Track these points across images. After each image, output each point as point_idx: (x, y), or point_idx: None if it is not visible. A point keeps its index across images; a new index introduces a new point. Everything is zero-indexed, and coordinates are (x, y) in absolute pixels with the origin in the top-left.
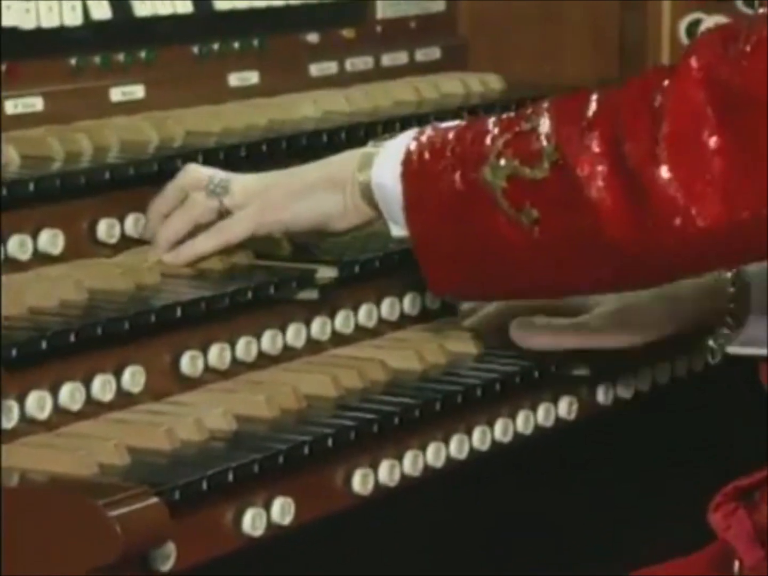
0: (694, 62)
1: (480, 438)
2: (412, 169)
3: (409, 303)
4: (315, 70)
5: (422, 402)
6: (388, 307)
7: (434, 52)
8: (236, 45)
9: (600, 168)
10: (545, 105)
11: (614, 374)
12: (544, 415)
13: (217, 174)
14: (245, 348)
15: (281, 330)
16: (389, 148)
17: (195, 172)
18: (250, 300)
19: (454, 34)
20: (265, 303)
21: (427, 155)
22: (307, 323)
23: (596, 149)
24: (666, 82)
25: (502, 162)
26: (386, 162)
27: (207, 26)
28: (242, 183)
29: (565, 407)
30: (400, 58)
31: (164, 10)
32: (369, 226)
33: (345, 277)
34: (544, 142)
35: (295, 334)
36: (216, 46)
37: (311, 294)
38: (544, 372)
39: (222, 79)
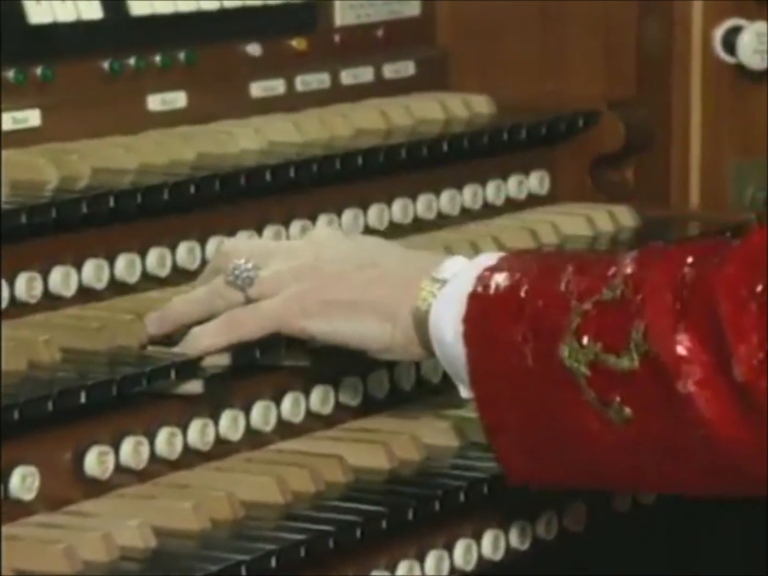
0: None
1: (464, 554)
2: (475, 330)
3: (373, 383)
4: (257, 89)
5: (391, 510)
6: (348, 389)
7: (407, 68)
8: (157, 59)
9: (703, 371)
10: (629, 262)
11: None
12: (544, 525)
13: (242, 261)
14: (167, 441)
15: (212, 418)
16: (451, 290)
17: (225, 254)
18: (171, 382)
19: (431, 45)
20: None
21: (492, 314)
22: (246, 410)
23: (695, 347)
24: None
25: (582, 343)
26: (446, 311)
27: (120, 35)
28: (275, 270)
29: (571, 516)
30: (364, 74)
31: (65, 15)
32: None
33: None
34: (632, 326)
35: (230, 424)
36: (132, 61)
37: (195, 387)
38: None
39: (139, 102)
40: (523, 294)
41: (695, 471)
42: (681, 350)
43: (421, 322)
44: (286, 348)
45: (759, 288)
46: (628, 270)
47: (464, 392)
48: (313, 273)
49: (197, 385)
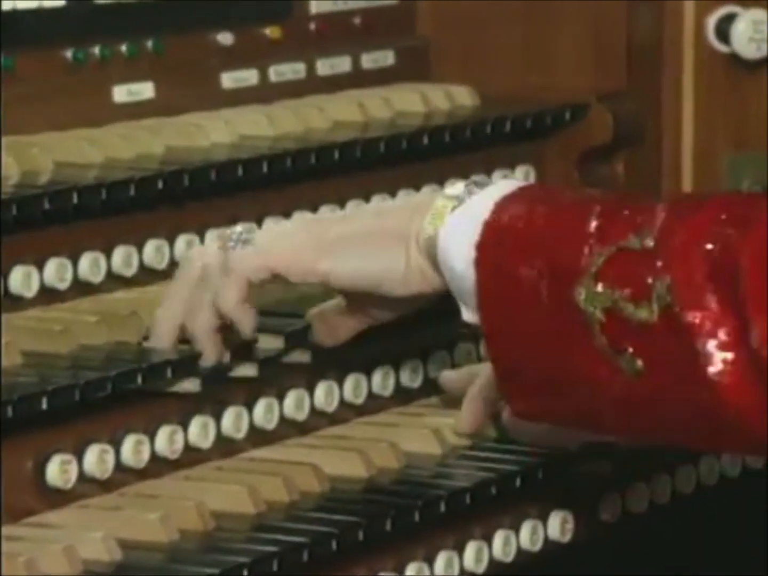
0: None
1: (445, 567)
2: (488, 259)
3: (351, 388)
4: (228, 80)
5: (368, 520)
6: (324, 394)
7: (386, 57)
8: (123, 48)
9: (720, 334)
10: (659, 211)
11: (622, 482)
12: (529, 535)
13: (237, 229)
14: (133, 449)
15: (181, 425)
16: (465, 213)
17: (202, 250)
18: (140, 387)
19: (411, 34)
20: (158, 390)
21: (508, 245)
22: (216, 416)
23: (719, 309)
24: None
25: (600, 287)
26: (458, 234)
27: (84, 23)
28: (271, 227)
29: (557, 525)
30: (341, 64)
31: (27, 2)
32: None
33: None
34: (656, 278)
35: (200, 431)
36: (96, 50)
37: (192, 385)
38: (529, 479)
39: (104, 94)
40: (542, 227)
41: (697, 429)
42: (707, 310)
43: (429, 241)
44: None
45: None
46: (659, 220)
47: (467, 315)
48: (314, 219)
49: (195, 383)
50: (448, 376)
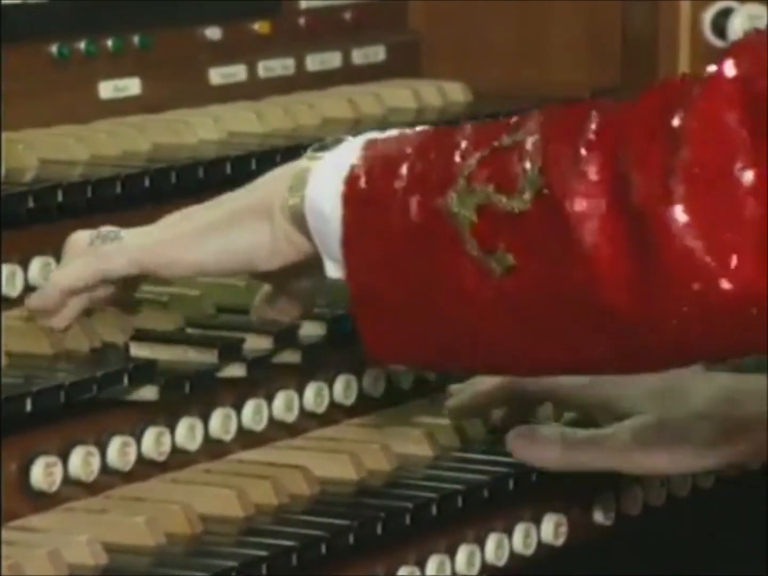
0: (729, 70)
1: (437, 570)
2: (356, 189)
3: (341, 389)
4: (216, 76)
5: (358, 523)
6: (313, 395)
7: (377, 53)
8: (109, 43)
9: (596, 204)
10: (535, 115)
11: (617, 484)
12: (522, 539)
13: (107, 228)
14: (119, 452)
15: (168, 427)
16: (330, 161)
17: (75, 235)
18: (126, 388)
19: (403, 29)
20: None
21: (377, 172)
22: (204, 418)
23: (592, 177)
24: (692, 95)
25: (473, 186)
26: (325, 178)
27: (69, 18)
28: (138, 228)
29: (551, 528)
30: (331, 60)
31: None
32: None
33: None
34: (527, 164)
35: (187, 433)
36: (82, 45)
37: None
38: (522, 481)
39: (90, 90)
40: (410, 150)
41: (571, 325)
42: (574, 180)
43: (296, 204)
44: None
45: (675, 122)
46: (533, 120)
47: (332, 270)
48: (183, 212)
49: (153, 391)
50: (453, 405)
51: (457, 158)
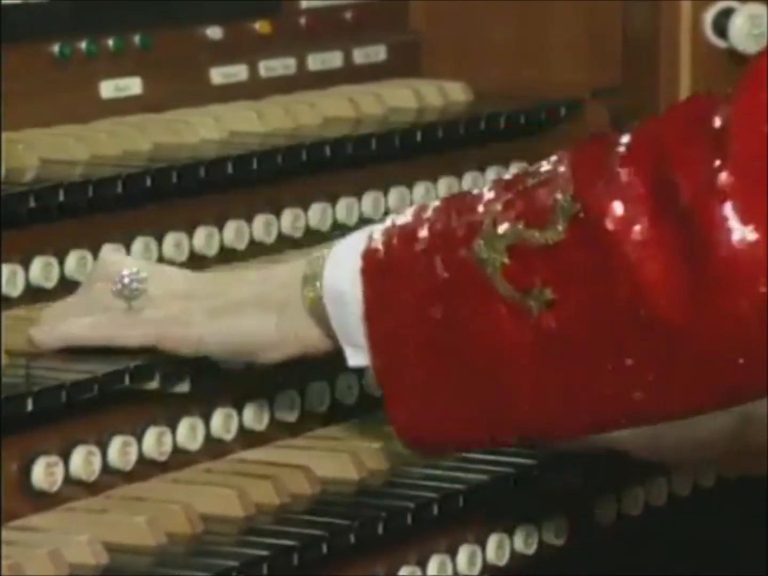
0: None
1: (438, 570)
2: (375, 261)
3: (342, 389)
4: (217, 76)
5: (359, 523)
6: (315, 395)
7: (378, 52)
8: (110, 43)
9: (638, 215)
10: (559, 153)
11: (618, 484)
12: (523, 539)
13: (132, 270)
14: (120, 451)
15: (169, 427)
16: (345, 243)
17: (107, 265)
18: (127, 387)
19: (404, 29)
20: (147, 392)
21: (396, 240)
22: (205, 417)
23: (631, 190)
24: (729, 95)
25: (501, 229)
26: (342, 259)
27: (70, 17)
28: (162, 286)
29: (552, 528)
30: (332, 60)
31: None
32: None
33: None
34: (558, 194)
35: (188, 433)
36: (83, 45)
37: (181, 386)
38: (523, 481)
39: (91, 89)
40: (429, 214)
41: (621, 347)
42: (610, 187)
43: (315, 296)
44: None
45: (716, 122)
46: (557, 157)
47: (353, 358)
48: (205, 283)
49: (184, 384)
50: None
51: (481, 209)
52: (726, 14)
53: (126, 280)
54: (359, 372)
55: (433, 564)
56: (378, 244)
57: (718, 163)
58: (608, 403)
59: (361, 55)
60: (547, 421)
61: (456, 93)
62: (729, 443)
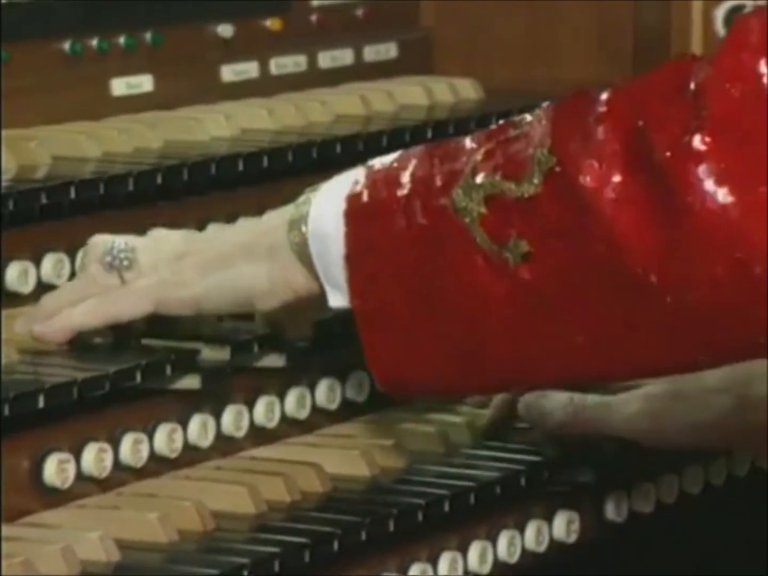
0: (753, 23)
1: (449, 567)
2: (358, 204)
3: (353, 386)
4: (228, 73)
5: (370, 520)
6: (326, 392)
7: (389, 50)
8: (121, 40)
9: (612, 172)
10: (542, 106)
11: (629, 482)
12: (534, 536)
13: (119, 241)
14: (131, 449)
15: (180, 424)
16: (331, 186)
17: (97, 245)
18: (137, 385)
19: (415, 26)
20: (157, 389)
21: (379, 184)
22: (216, 414)
23: (607, 147)
24: (709, 61)
25: (479, 179)
26: (327, 201)
27: (82, 15)
28: (152, 252)
29: (563, 525)
30: (343, 57)
31: None
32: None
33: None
34: (536, 148)
35: (199, 430)
36: (94, 42)
37: (192, 382)
38: (534, 478)
39: (102, 86)
40: (414, 161)
41: (597, 302)
42: (587, 151)
43: (299, 240)
44: (260, 347)
45: (694, 83)
46: (539, 110)
47: (334, 299)
48: (192, 242)
49: (195, 380)
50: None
51: (463, 158)
52: (737, 10)
53: (115, 251)
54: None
55: (444, 561)
56: (362, 186)
57: (694, 124)
58: (581, 353)
59: (371, 53)
60: (522, 367)
61: (466, 90)
62: (731, 425)
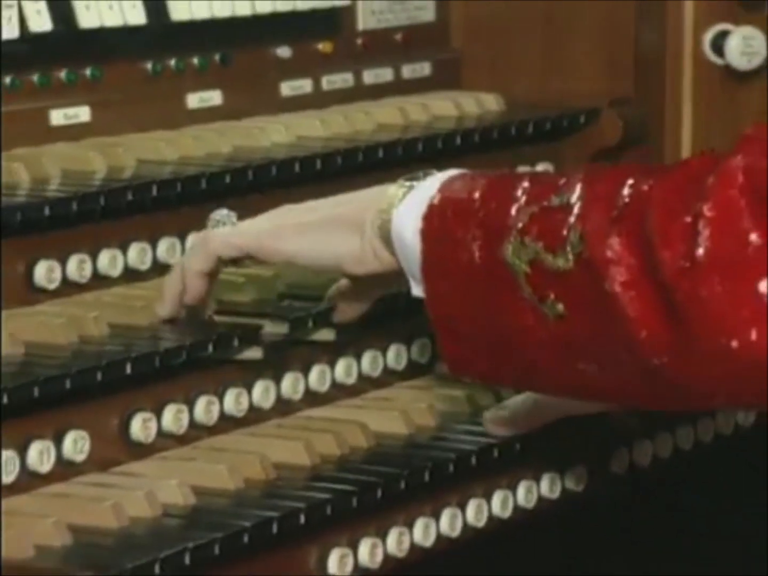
0: (738, 161)
1: (475, 513)
2: (432, 227)
3: (393, 356)
4: (286, 89)
5: (409, 471)
6: (370, 362)
7: (423, 68)
8: (195, 61)
9: (629, 272)
10: (579, 177)
11: (630, 438)
12: (548, 485)
13: (223, 210)
14: (205, 409)
15: (246, 388)
16: (416, 193)
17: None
18: (211, 354)
19: (446, 47)
20: (227, 359)
21: (449, 213)
22: (277, 380)
23: (624, 250)
24: (710, 181)
25: (525, 242)
26: (409, 211)
27: (162, 39)
28: (251, 218)
29: (573, 477)
30: (384, 75)
31: (112, 20)
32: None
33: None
34: (570, 229)
35: (262, 393)
36: (172, 62)
37: (255, 353)
38: (548, 436)
39: (179, 100)
40: (477, 197)
41: (620, 373)
42: (610, 253)
43: (385, 222)
44: (314, 324)
45: (696, 208)
46: (577, 182)
47: (416, 290)
48: (290, 207)
49: (258, 351)
50: (493, 421)
51: (513, 211)
52: (722, 35)
53: (218, 217)
54: (408, 342)
55: (471, 506)
56: (436, 211)
57: (694, 247)
58: (607, 396)
59: (408, 71)
60: (555, 386)
61: (490, 103)
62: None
